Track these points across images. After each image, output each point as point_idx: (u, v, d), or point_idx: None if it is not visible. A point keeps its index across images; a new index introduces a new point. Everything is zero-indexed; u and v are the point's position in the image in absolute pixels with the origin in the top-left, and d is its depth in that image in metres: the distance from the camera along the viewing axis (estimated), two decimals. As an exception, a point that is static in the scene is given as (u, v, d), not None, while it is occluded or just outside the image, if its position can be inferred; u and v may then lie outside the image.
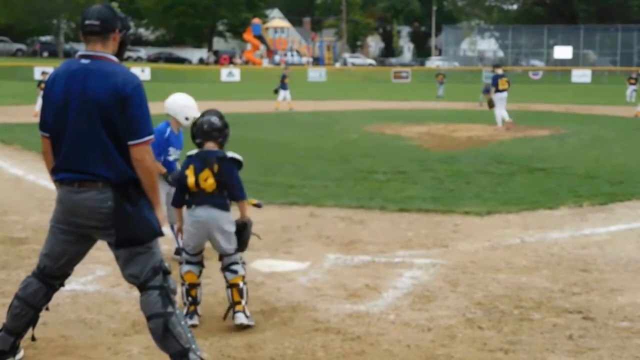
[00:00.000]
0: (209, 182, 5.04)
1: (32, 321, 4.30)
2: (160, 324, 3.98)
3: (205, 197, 5.05)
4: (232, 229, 5.15)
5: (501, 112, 21.10)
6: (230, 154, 5.17)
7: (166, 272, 4.08)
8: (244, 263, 5.20)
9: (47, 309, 4.35)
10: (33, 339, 4.40)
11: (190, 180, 5.06)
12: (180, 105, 6.75)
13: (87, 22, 3.98)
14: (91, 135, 3.91)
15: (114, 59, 4.04)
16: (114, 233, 3.97)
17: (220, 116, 5.26)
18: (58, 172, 4.06)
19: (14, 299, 4.28)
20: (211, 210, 5.05)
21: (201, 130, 5.17)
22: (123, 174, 3.95)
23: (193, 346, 4.04)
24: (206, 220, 5.06)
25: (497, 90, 21.31)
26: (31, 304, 4.24)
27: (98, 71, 3.93)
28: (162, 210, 4.28)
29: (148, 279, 4.02)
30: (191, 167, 5.09)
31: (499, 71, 22.13)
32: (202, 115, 5.29)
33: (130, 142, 3.92)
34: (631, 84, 36.57)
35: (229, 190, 5.12)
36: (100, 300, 5.61)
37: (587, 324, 5.13)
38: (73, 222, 4.05)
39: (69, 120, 3.94)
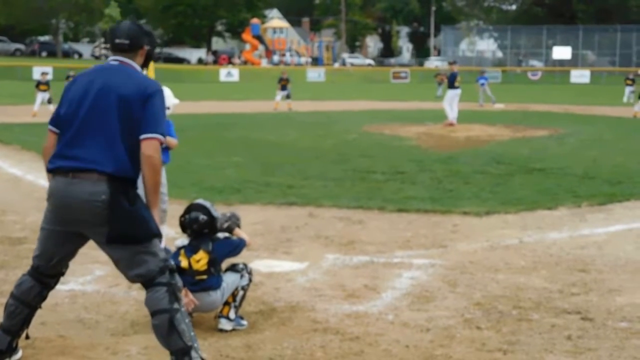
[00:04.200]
0: (201, 262, 4.93)
1: (27, 320, 4.30)
2: (166, 319, 3.97)
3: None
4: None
5: (454, 108, 21.82)
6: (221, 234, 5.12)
7: (172, 270, 4.10)
8: (249, 273, 5.17)
9: (39, 307, 4.35)
10: (27, 337, 4.39)
11: (184, 263, 4.95)
12: None
13: (117, 40, 4.18)
14: (102, 125, 3.96)
15: (139, 69, 4.24)
16: (106, 230, 3.93)
17: (206, 211, 4.99)
18: (55, 160, 4.05)
19: (9, 298, 4.30)
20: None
21: (191, 229, 4.99)
22: (122, 170, 3.94)
23: (195, 345, 4.04)
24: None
25: (454, 87, 22.32)
26: (25, 301, 4.25)
27: (125, 71, 4.12)
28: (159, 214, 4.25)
29: (155, 276, 4.02)
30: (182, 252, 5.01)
31: (455, 69, 23.33)
32: (188, 211, 5.01)
33: (142, 136, 3.95)
34: (628, 84, 36.58)
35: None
36: (99, 300, 5.61)
37: (585, 325, 5.13)
38: (64, 218, 4.03)
39: (82, 109, 4.02)
